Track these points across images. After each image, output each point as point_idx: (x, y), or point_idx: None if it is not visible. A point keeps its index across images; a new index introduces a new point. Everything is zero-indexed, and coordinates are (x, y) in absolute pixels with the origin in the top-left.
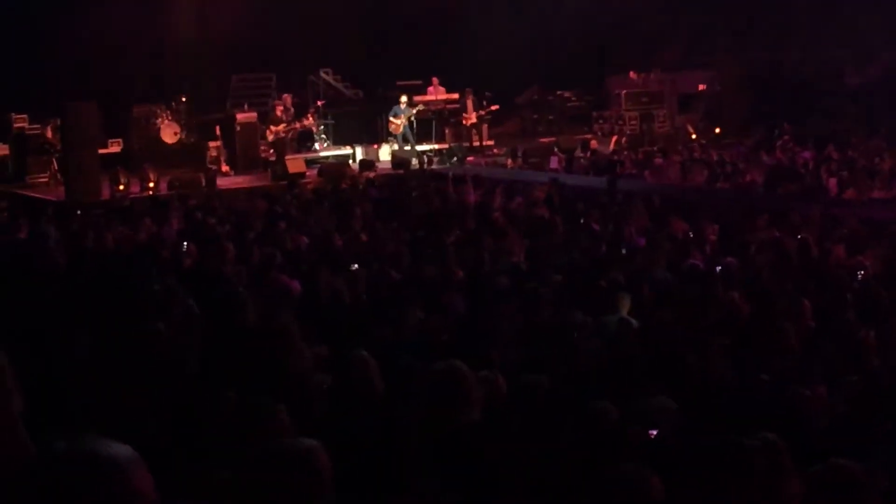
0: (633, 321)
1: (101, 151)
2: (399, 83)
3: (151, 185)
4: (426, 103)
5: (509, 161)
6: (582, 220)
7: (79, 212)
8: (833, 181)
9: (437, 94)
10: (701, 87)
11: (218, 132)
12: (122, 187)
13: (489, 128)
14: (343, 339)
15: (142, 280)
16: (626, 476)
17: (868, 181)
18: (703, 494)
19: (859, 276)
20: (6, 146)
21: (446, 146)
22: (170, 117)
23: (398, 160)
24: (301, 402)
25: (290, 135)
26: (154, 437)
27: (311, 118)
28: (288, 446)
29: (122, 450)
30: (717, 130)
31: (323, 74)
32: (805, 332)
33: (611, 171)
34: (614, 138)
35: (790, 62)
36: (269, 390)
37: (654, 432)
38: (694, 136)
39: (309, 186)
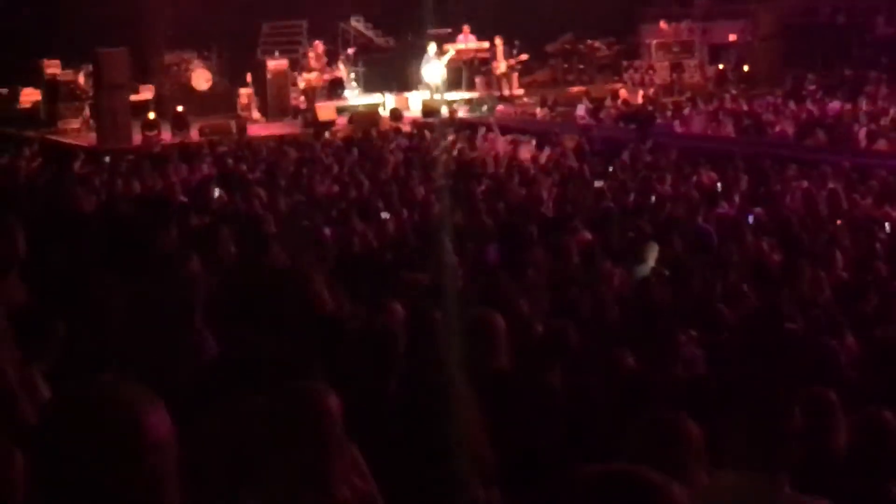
0: (663, 270)
1: (132, 98)
2: (430, 31)
3: (182, 131)
4: (457, 52)
5: (538, 110)
6: (611, 170)
7: (107, 159)
8: (863, 132)
9: (467, 41)
10: (732, 37)
11: (249, 79)
12: (153, 134)
13: (519, 77)
14: (372, 286)
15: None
16: (663, 421)
17: None
18: (741, 441)
19: (888, 228)
20: (38, 92)
21: (476, 95)
22: (201, 64)
23: (429, 109)
24: (329, 348)
25: (320, 82)
26: (184, 381)
27: (341, 66)
28: (293, 388)
29: (137, 393)
30: (748, 81)
31: (354, 22)
32: (836, 283)
33: (642, 122)
34: (641, 90)
35: (822, 12)
36: (297, 332)
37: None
38: (724, 87)
39: (339, 134)
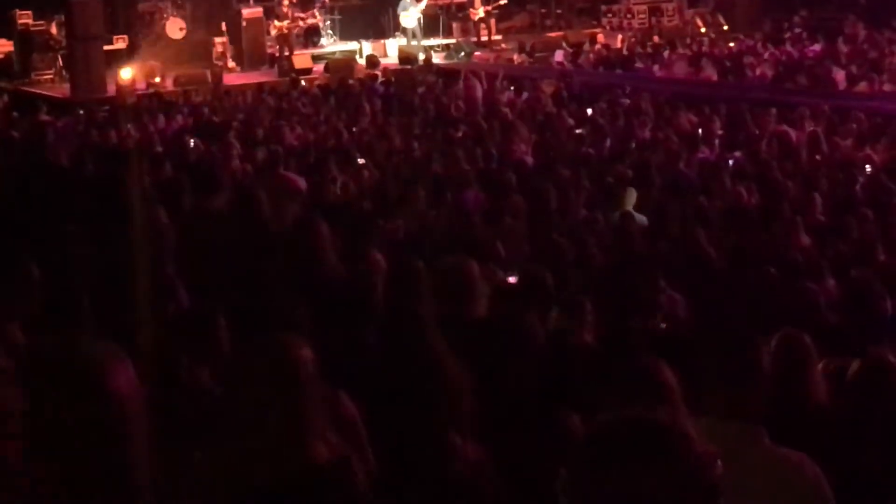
0: (640, 216)
1: (106, 48)
2: None
3: (157, 81)
4: None
5: (516, 56)
6: (590, 115)
7: (81, 110)
8: (842, 75)
9: None
10: None
11: (224, 28)
12: (127, 84)
13: (497, 22)
14: (351, 234)
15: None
16: (640, 368)
17: (877, 75)
18: (718, 387)
19: (867, 170)
20: (10, 43)
21: (453, 41)
22: (175, 13)
23: (405, 55)
24: (322, 299)
25: (296, 31)
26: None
27: (317, 14)
28: (265, 341)
29: (103, 349)
30: (726, 25)
31: None
32: (815, 226)
33: (621, 66)
34: (619, 35)
35: None
36: (295, 289)
37: (664, 325)
38: (703, 30)
39: (315, 82)
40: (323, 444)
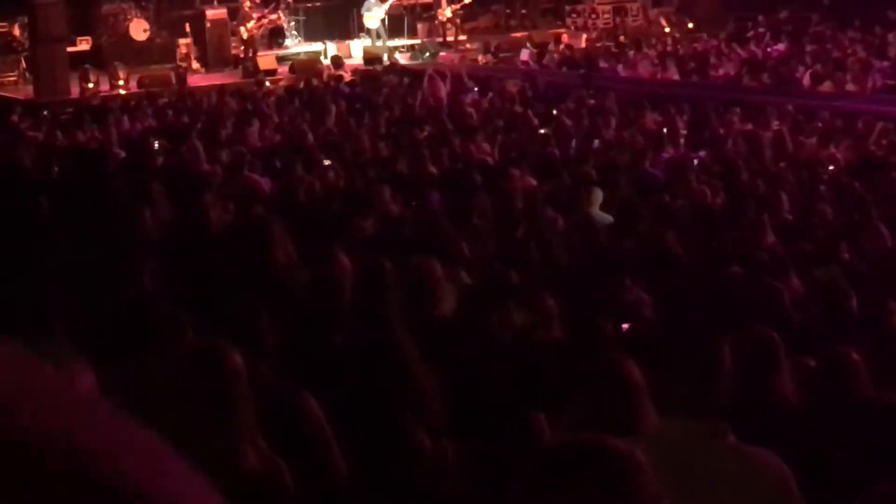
0: (606, 215)
1: (69, 50)
2: None
3: (121, 83)
4: None
5: (481, 56)
6: (555, 115)
7: (45, 112)
8: (807, 74)
9: None
10: None
11: (188, 29)
12: (91, 86)
13: (462, 23)
14: (316, 235)
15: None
16: (607, 366)
17: (841, 74)
18: (683, 385)
19: (831, 169)
20: None
21: (419, 42)
22: (139, 15)
23: (370, 56)
24: (282, 299)
25: (260, 31)
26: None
27: (281, 14)
28: (195, 347)
29: (64, 354)
30: (691, 24)
31: None
32: (781, 225)
33: (586, 67)
34: (584, 34)
35: None
36: (250, 287)
37: (630, 324)
38: (667, 30)
39: (280, 83)
40: (252, 450)
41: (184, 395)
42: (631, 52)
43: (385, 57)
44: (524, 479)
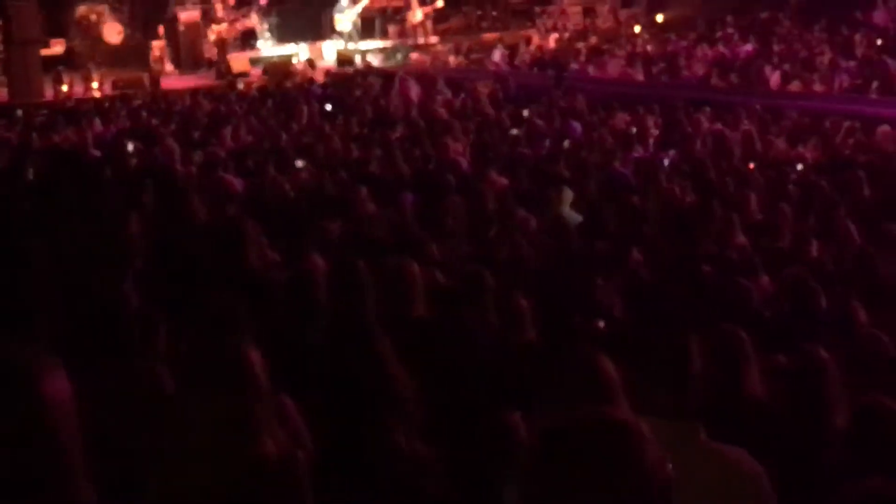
0: (577, 215)
1: (43, 52)
2: None
3: (95, 85)
4: (370, 0)
5: (452, 58)
6: (526, 115)
7: (20, 112)
8: (775, 74)
9: None
10: None
11: (161, 32)
12: (65, 88)
13: (433, 24)
14: (289, 237)
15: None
16: (582, 364)
17: (809, 74)
18: (654, 385)
19: (799, 168)
20: None
21: (390, 43)
22: (113, 17)
23: (343, 58)
24: (258, 300)
25: (232, 34)
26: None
27: (254, 17)
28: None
29: (34, 355)
30: (660, 24)
31: None
32: (750, 224)
33: (557, 67)
34: (554, 35)
35: None
36: (226, 287)
37: (602, 324)
38: (637, 31)
39: (253, 85)
40: (270, 439)
41: (205, 390)
42: (600, 54)
43: (357, 59)
44: (526, 463)
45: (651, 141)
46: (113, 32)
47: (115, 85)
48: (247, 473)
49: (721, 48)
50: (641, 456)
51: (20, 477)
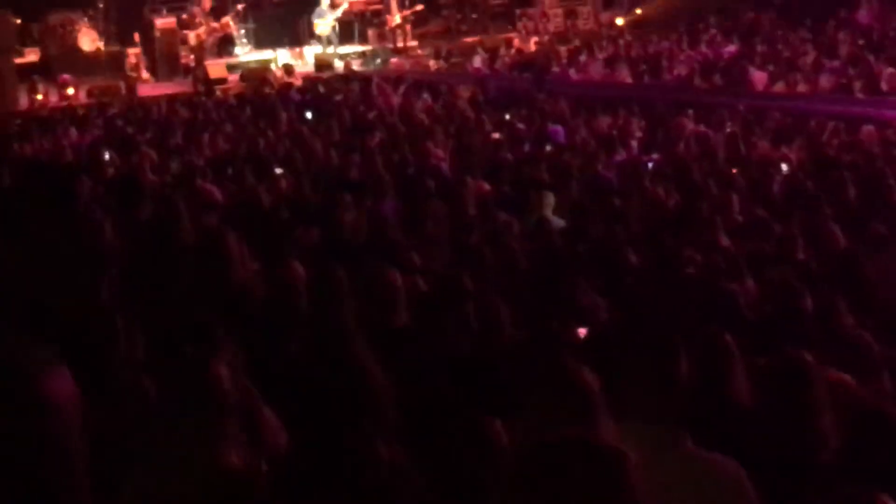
0: (557, 219)
1: (17, 61)
2: None
3: (70, 93)
4: (350, 4)
5: (432, 62)
6: (507, 119)
7: None
8: (759, 75)
9: None
10: None
11: (137, 39)
12: (40, 97)
13: (412, 28)
14: (269, 244)
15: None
16: (561, 372)
17: (793, 75)
18: (639, 390)
19: (784, 169)
20: None
21: (369, 48)
22: (88, 25)
23: (321, 63)
24: (238, 309)
25: (209, 40)
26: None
27: (231, 23)
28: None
29: (38, 355)
30: (642, 25)
31: None
32: (734, 226)
33: (536, 71)
34: (534, 38)
35: None
36: (209, 303)
37: (584, 330)
38: (619, 23)
39: (231, 92)
40: (235, 453)
41: (173, 405)
42: (583, 56)
43: (336, 63)
44: (505, 481)
45: (634, 143)
46: (88, 40)
47: (90, 93)
48: (210, 487)
49: (704, 49)
50: (625, 486)
51: (23, 481)
